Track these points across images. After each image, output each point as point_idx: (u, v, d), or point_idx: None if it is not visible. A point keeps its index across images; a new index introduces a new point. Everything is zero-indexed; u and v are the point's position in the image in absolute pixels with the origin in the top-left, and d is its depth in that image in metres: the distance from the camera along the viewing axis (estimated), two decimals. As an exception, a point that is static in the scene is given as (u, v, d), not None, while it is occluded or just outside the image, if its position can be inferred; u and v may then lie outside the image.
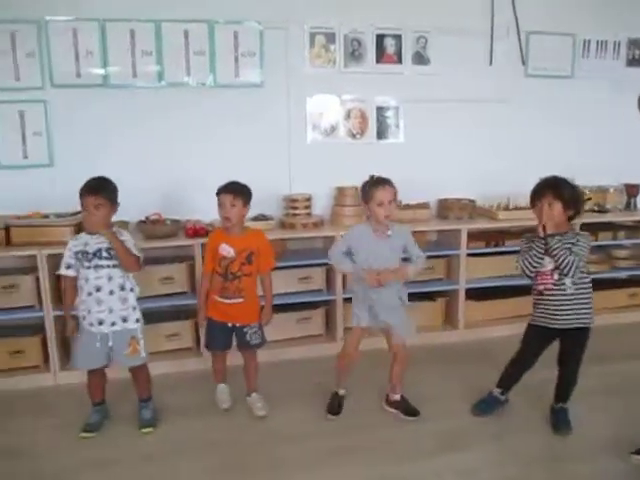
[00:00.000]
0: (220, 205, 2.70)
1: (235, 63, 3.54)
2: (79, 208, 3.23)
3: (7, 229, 3.10)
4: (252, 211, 3.41)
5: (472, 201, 3.82)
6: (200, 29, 3.46)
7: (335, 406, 2.83)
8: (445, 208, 3.82)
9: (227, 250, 2.72)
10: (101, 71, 3.39)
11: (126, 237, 2.59)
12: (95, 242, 2.53)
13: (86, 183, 2.54)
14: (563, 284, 2.53)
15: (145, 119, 3.47)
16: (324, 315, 3.62)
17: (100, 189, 2.51)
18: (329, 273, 3.56)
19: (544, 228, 2.49)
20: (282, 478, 2.34)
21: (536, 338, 2.68)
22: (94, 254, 2.52)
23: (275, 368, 3.26)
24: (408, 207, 3.68)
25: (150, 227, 3.30)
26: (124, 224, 3.19)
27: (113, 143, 3.43)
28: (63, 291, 2.65)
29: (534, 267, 2.56)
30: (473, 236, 3.71)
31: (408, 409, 2.80)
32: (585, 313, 2.55)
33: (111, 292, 2.54)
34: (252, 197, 2.76)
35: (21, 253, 3.11)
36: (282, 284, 3.43)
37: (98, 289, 2.52)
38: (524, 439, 2.59)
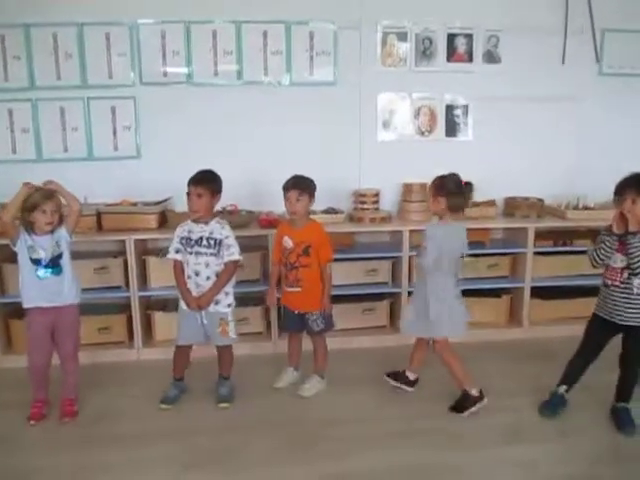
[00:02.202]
0: (287, 199, 2.85)
1: (310, 62, 3.69)
2: (164, 197, 3.53)
3: (99, 216, 3.37)
4: (322, 204, 3.61)
5: (540, 200, 3.81)
6: (277, 30, 3.63)
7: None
8: (512, 206, 3.83)
9: (287, 242, 2.89)
10: (185, 70, 3.61)
11: (228, 232, 2.79)
12: (198, 230, 2.75)
13: (194, 174, 2.76)
14: (630, 283, 2.54)
15: (224, 115, 3.66)
16: (388, 307, 3.71)
17: (203, 180, 2.73)
18: (395, 266, 3.65)
19: (619, 225, 2.50)
20: (343, 455, 2.46)
21: (598, 329, 2.71)
22: (196, 241, 2.74)
23: (341, 355, 3.37)
24: (475, 205, 3.72)
25: (226, 217, 3.47)
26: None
27: (194, 137, 3.65)
28: (174, 272, 2.84)
29: (602, 260, 2.60)
30: (540, 235, 3.71)
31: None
32: None
33: (208, 278, 2.75)
34: (316, 190, 2.89)
35: (111, 238, 3.39)
36: (349, 276, 3.57)
37: (197, 273, 2.74)
38: (588, 438, 2.60)
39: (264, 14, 3.58)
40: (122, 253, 3.36)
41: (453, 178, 2.75)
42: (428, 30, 3.75)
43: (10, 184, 2.69)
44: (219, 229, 2.79)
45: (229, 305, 2.84)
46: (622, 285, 2.56)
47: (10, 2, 3.43)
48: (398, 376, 3.03)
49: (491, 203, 3.82)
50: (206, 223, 2.78)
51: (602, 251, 2.58)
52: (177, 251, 2.81)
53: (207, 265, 2.75)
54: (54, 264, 2.64)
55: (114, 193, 3.52)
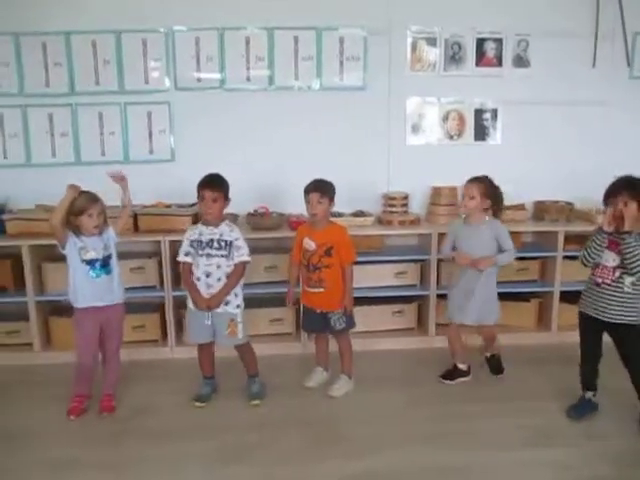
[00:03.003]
0: (308, 202, 2.91)
1: (340, 67, 3.74)
2: (197, 199, 3.60)
3: (135, 217, 3.46)
4: (352, 207, 3.66)
5: (570, 204, 3.81)
6: (308, 36, 3.69)
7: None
8: (541, 210, 3.83)
9: (309, 243, 2.94)
10: (218, 75, 3.70)
11: (237, 234, 2.83)
12: (208, 233, 2.80)
13: (204, 178, 2.81)
14: (622, 283, 2.60)
15: (256, 120, 3.74)
16: (417, 309, 3.74)
17: (217, 184, 2.79)
18: (423, 269, 3.68)
19: (611, 224, 2.55)
20: (370, 453, 2.50)
21: (588, 329, 2.77)
22: (207, 244, 2.79)
23: (369, 356, 3.42)
24: (504, 208, 3.72)
25: (257, 219, 3.57)
26: (234, 217, 3.48)
27: (227, 141, 3.73)
28: (182, 274, 2.92)
29: (592, 258, 2.67)
30: (570, 239, 3.69)
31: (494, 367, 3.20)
32: (633, 310, 2.59)
33: (219, 279, 2.79)
34: (336, 194, 2.94)
35: (147, 239, 3.49)
36: (378, 278, 3.62)
37: (208, 275, 2.79)
38: (616, 441, 2.60)
39: (295, 20, 3.65)
40: (157, 254, 3.46)
41: (491, 180, 3.01)
42: (457, 35, 3.78)
43: (50, 187, 2.80)
44: (228, 231, 2.83)
45: (238, 306, 2.88)
46: (613, 284, 2.62)
47: (52, 11, 3.56)
48: (452, 374, 3.13)
49: (520, 207, 3.83)
50: (216, 226, 2.82)
51: (592, 250, 2.65)
52: (187, 254, 2.84)
53: (218, 266, 2.79)
54: (105, 264, 2.74)
55: (149, 195, 3.61)
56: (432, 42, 3.77)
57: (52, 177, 3.50)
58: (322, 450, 2.53)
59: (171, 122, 3.73)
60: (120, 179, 2.82)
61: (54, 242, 2.78)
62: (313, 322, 3.06)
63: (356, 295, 3.09)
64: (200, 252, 2.80)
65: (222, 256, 2.79)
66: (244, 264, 2.84)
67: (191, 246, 2.82)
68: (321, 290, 2.95)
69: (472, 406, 2.88)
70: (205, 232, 2.82)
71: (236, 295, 2.87)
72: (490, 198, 2.97)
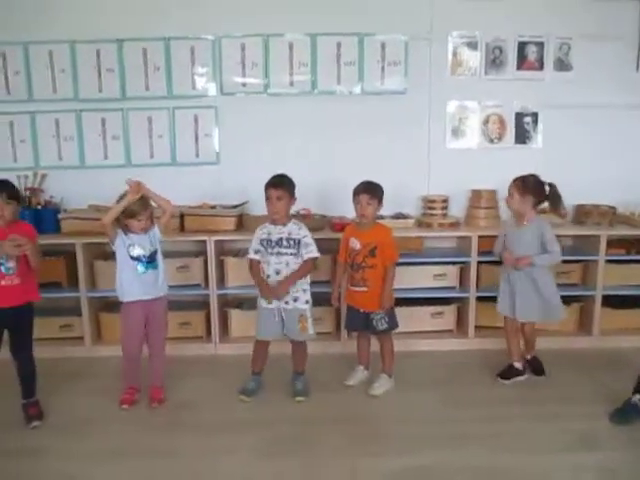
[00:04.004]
0: (357, 203, 2.97)
1: (381, 72, 3.81)
2: (241, 201, 3.71)
3: (182, 217, 3.59)
4: (392, 210, 3.71)
5: (612, 208, 3.77)
6: (351, 41, 3.77)
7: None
8: (583, 214, 3.81)
9: (354, 243, 3.01)
10: (262, 80, 3.80)
11: (305, 232, 2.94)
12: (277, 232, 2.91)
13: (270, 178, 2.92)
14: None
15: (299, 124, 3.84)
16: (456, 311, 3.76)
17: (281, 183, 2.89)
18: (463, 271, 3.70)
19: None
20: (410, 452, 2.53)
21: None
22: (276, 242, 2.89)
23: (409, 357, 3.45)
24: (544, 211, 3.71)
25: (300, 221, 3.63)
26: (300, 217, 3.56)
27: (270, 145, 3.83)
28: (251, 270, 3.00)
29: None
30: (612, 243, 3.66)
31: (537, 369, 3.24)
32: None
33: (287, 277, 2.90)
34: (384, 195, 3.00)
35: (193, 238, 3.60)
36: (418, 279, 3.65)
37: (277, 272, 2.90)
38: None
39: (338, 27, 3.73)
40: (202, 253, 3.57)
41: (536, 178, 3.05)
42: (498, 39, 3.81)
43: (102, 188, 2.93)
44: (297, 230, 2.94)
45: (307, 302, 2.98)
46: None
47: (103, 19, 3.71)
48: (508, 373, 3.17)
49: (561, 210, 3.81)
50: (284, 225, 2.93)
51: None
52: (256, 252, 2.96)
53: (287, 264, 2.90)
54: (152, 260, 2.85)
55: (195, 197, 3.74)
56: (473, 46, 3.81)
57: (104, 178, 3.66)
58: (362, 447, 2.58)
59: (217, 126, 3.86)
60: (135, 188, 2.78)
61: (105, 240, 2.93)
62: (355, 321, 3.12)
63: (395, 296, 3.12)
64: (270, 251, 2.91)
65: (291, 254, 2.90)
66: (313, 260, 2.94)
67: (261, 244, 2.93)
68: (364, 289, 3.00)
69: (513, 409, 2.89)
70: (274, 231, 2.92)
71: (304, 291, 2.97)
72: (533, 195, 3.01)
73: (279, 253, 2.90)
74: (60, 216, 3.61)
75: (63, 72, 3.77)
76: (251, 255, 2.99)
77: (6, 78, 3.78)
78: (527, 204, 3.02)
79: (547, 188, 3.06)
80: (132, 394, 2.95)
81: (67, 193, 3.81)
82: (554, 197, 3.06)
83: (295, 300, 2.94)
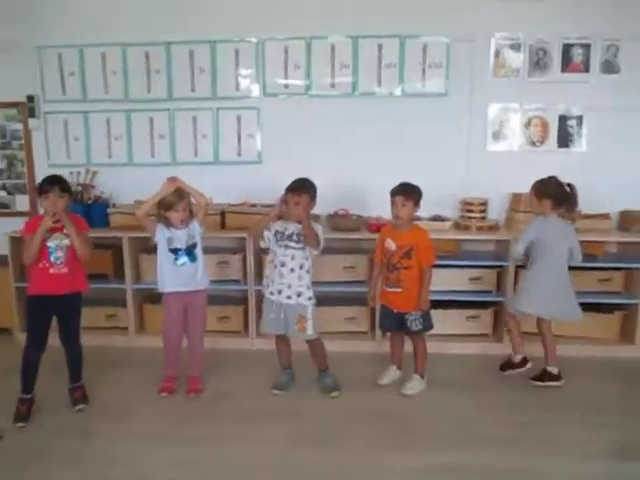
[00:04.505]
0: (393, 204, 2.99)
1: (422, 74, 3.82)
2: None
3: (223, 215, 3.70)
4: (429, 212, 3.70)
5: (659, 214, 3.67)
6: (392, 44, 3.80)
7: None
8: (627, 220, 3.72)
9: (390, 244, 3.03)
10: (304, 82, 3.88)
11: (317, 227, 2.98)
12: (292, 228, 2.95)
13: (291, 183, 2.94)
14: None
15: (339, 125, 3.89)
16: (492, 316, 3.73)
17: (301, 188, 2.91)
18: (500, 275, 3.67)
19: None
20: (440, 451, 2.55)
21: None
22: (288, 236, 2.94)
23: (443, 359, 3.47)
24: (587, 217, 3.65)
25: (338, 220, 3.70)
26: (315, 217, 3.62)
27: (311, 145, 3.90)
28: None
29: None
30: (657, 250, 3.57)
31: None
32: None
33: (292, 270, 2.94)
34: (422, 198, 3.01)
35: (233, 235, 3.71)
36: (454, 282, 3.64)
37: (282, 264, 2.95)
38: None
39: (380, 29, 3.77)
40: (242, 250, 3.67)
41: (554, 180, 3.05)
42: (543, 41, 3.76)
43: (148, 184, 3.04)
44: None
45: (309, 298, 2.99)
46: None
47: (154, 22, 3.87)
48: (543, 376, 3.15)
49: (605, 216, 3.72)
50: (299, 222, 2.94)
51: None
52: (268, 239, 2.99)
53: (293, 258, 2.94)
54: (190, 253, 2.96)
55: (236, 195, 3.86)
56: (516, 48, 3.77)
57: (150, 176, 3.74)
58: (391, 444, 2.61)
59: (259, 126, 3.96)
60: (170, 182, 2.92)
61: (150, 235, 3.05)
62: (390, 321, 3.15)
63: (430, 298, 3.13)
64: (280, 243, 2.96)
65: (299, 249, 2.95)
66: (317, 236, 2.94)
67: (274, 235, 2.99)
68: (399, 290, 3.03)
69: (546, 415, 2.86)
70: (290, 227, 2.97)
71: (308, 287, 2.99)
72: (552, 198, 3.02)
73: (287, 246, 2.95)
74: (109, 211, 3.80)
75: (114, 74, 3.95)
76: (263, 244, 3.04)
77: (62, 79, 4.00)
78: (546, 207, 3.03)
79: (567, 189, 3.05)
80: (171, 383, 3.07)
81: (116, 189, 4.00)
82: (572, 198, 3.06)
83: (299, 295, 2.97)
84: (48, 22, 3.94)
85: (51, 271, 2.78)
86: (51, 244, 2.77)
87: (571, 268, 3.14)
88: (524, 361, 3.26)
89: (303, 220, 2.88)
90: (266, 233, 3.00)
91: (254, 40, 3.86)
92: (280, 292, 2.97)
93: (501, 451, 2.55)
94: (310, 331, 3.01)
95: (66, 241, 2.78)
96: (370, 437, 2.66)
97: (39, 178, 4.09)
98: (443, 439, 2.64)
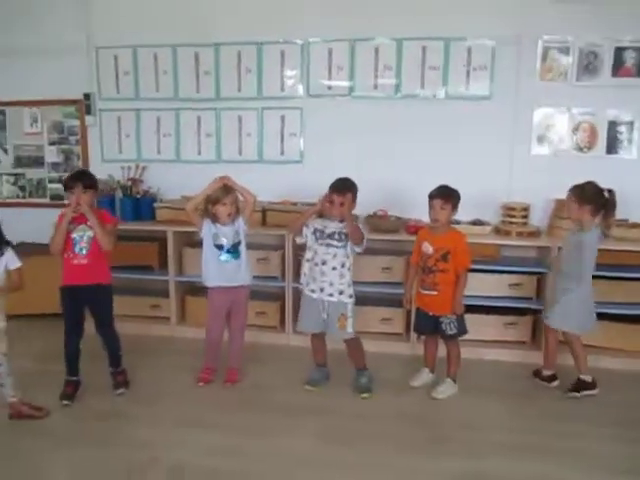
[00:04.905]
0: (431, 207, 3.00)
1: (466, 77, 3.80)
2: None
3: (264, 212, 3.79)
4: (470, 216, 3.68)
5: None
6: (436, 46, 3.79)
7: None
8: (678, 230, 3.59)
9: (427, 247, 3.04)
10: (348, 83, 3.93)
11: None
12: (332, 226, 3.00)
13: (334, 182, 2.99)
14: None
15: (381, 126, 3.91)
16: (531, 323, 3.66)
17: (344, 188, 2.96)
18: (540, 282, 3.60)
19: None
20: (469, 456, 2.54)
21: None
22: (329, 235, 2.99)
23: (478, 365, 3.45)
24: (636, 226, 3.54)
25: (376, 221, 3.73)
26: (355, 217, 3.65)
27: (352, 146, 3.94)
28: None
29: None
30: None
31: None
32: None
33: (333, 268, 2.99)
34: (460, 202, 3.00)
35: (273, 232, 3.79)
36: (492, 287, 3.61)
37: (323, 262, 2.99)
38: None
39: (424, 31, 3.76)
40: (281, 247, 3.75)
41: (593, 185, 2.98)
42: (593, 44, 3.66)
43: (194, 181, 3.17)
44: None
45: (350, 296, 3.03)
46: None
47: (204, 23, 4.00)
48: (578, 387, 3.10)
49: (654, 225, 3.61)
50: (341, 221, 3.00)
51: None
52: (305, 236, 3.05)
53: (334, 256, 2.98)
54: (234, 250, 3.05)
55: (279, 193, 3.94)
56: (565, 51, 3.69)
57: (196, 172, 3.93)
58: (420, 446, 2.62)
59: (302, 126, 4.03)
60: (219, 180, 3.03)
61: (194, 230, 3.18)
62: (424, 324, 3.15)
63: (468, 303, 3.14)
64: (320, 241, 3.01)
65: (341, 247, 2.99)
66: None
67: (313, 233, 3.04)
68: (434, 293, 3.03)
69: (581, 426, 2.80)
70: (330, 225, 3.02)
71: (349, 285, 3.03)
72: (592, 204, 2.95)
73: (329, 244, 2.99)
74: (155, 205, 3.95)
75: (165, 73, 4.11)
76: (298, 239, 3.09)
77: (117, 78, 4.19)
78: (585, 213, 2.96)
79: (606, 194, 2.97)
80: (209, 374, 3.18)
81: (163, 184, 4.15)
82: (611, 204, 2.97)
83: (340, 293, 3.01)
84: (105, 24, 4.14)
85: (74, 262, 2.92)
86: (75, 236, 2.90)
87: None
88: (552, 377, 3.22)
89: (347, 219, 2.93)
90: (304, 230, 3.06)
91: (299, 42, 3.93)
92: (322, 290, 3.02)
93: (529, 460, 2.52)
94: (350, 329, 3.05)
95: (89, 233, 2.90)
96: (398, 438, 2.68)
97: (94, 172, 4.33)
98: (471, 444, 2.64)
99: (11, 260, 2.61)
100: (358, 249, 3.01)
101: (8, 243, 2.63)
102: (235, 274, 3.07)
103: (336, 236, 2.99)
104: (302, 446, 2.60)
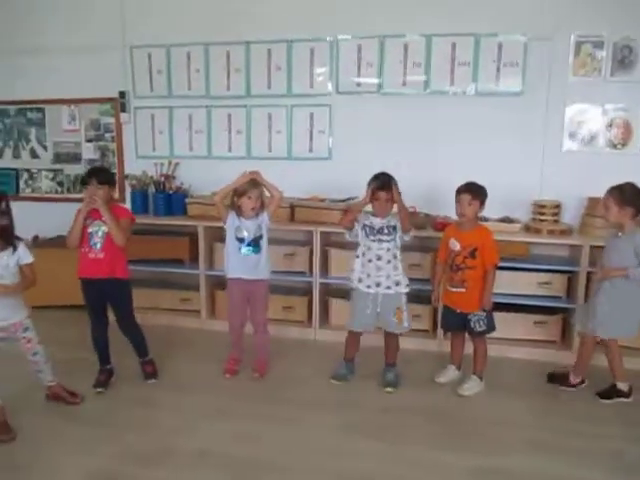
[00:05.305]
0: (458, 202, 2.99)
1: (497, 73, 3.76)
2: (349, 196, 3.86)
3: (292, 208, 3.84)
4: (499, 213, 3.65)
5: None
6: (466, 42, 3.76)
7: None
8: None
9: (454, 244, 3.03)
10: (376, 80, 3.93)
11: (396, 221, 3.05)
12: (379, 222, 3.04)
13: (379, 179, 3.00)
14: None
15: (409, 123, 3.91)
16: (561, 322, 3.61)
17: (390, 184, 2.98)
18: (571, 281, 3.55)
19: None
20: (493, 453, 2.52)
21: None
22: (378, 230, 3.03)
23: (505, 363, 3.43)
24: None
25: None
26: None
27: (381, 143, 3.95)
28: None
29: None
30: None
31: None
32: None
33: (388, 261, 3.03)
34: (487, 198, 2.98)
35: (301, 228, 3.84)
36: (522, 285, 3.57)
37: (379, 258, 3.03)
38: None
39: (454, 27, 3.74)
40: (309, 243, 3.79)
41: (632, 186, 2.87)
42: (629, 38, 3.58)
43: (225, 177, 3.22)
44: (394, 220, 3.04)
45: (407, 285, 3.07)
46: None
47: (234, 22, 4.06)
48: (611, 393, 3.03)
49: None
50: (383, 217, 3.04)
51: None
52: (356, 235, 3.08)
53: (388, 250, 3.02)
54: (255, 244, 3.10)
55: (307, 189, 3.99)
56: (599, 46, 3.61)
57: (227, 169, 3.92)
58: (443, 441, 2.63)
59: (331, 123, 4.06)
60: (248, 174, 3.08)
61: (222, 221, 3.21)
62: (452, 321, 3.15)
63: (496, 300, 3.12)
64: (372, 238, 3.05)
65: (390, 240, 3.03)
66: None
67: (362, 229, 3.07)
68: (462, 290, 3.03)
69: (608, 428, 2.75)
70: (375, 221, 3.05)
71: (403, 275, 3.07)
72: (631, 206, 2.84)
73: (380, 240, 3.03)
74: (187, 201, 4.04)
75: (197, 72, 4.19)
76: (348, 236, 3.12)
77: (150, 76, 4.30)
78: (626, 215, 2.85)
79: None
80: (233, 364, 3.26)
81: (195, 180, 4.23)
82: None
83: (397, 284, 3.04)
84: (139, 24, 4.24)
85: (90, 255, 2.99)
86: (91, 230, 2.98)
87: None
88: (581, 382, 3.14)
89: (400, 207, 2.98)
90: (355, 226, 3.10)
91: (329, 39, 3.96)
92: (379, 284, 3.05)
93: (554, 459, 2.49)
94: (406, 323, 3.09)
95: (104, 228, 2.96)
96: (421, 433, 2.69)
97: (128, 168, 4.45)
98: (495, 441, 2.63)
99: (24, 255, 2.67)
100: (407, 237, 3.05)
101: (20, 239, 2.69)
102: (254, 267, 3.13)
103: (385, 230, 3.04)
104: (326, 438, 2.64)
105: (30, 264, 2.68)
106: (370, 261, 3.05)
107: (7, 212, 2.59)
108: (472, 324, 3.03)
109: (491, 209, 3.46)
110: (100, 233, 2.96)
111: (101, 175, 3.03)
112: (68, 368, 3.10)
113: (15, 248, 2.63)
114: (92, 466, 2.41)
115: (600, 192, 3.52)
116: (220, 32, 4.09)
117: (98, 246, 2.97)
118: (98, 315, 3.07)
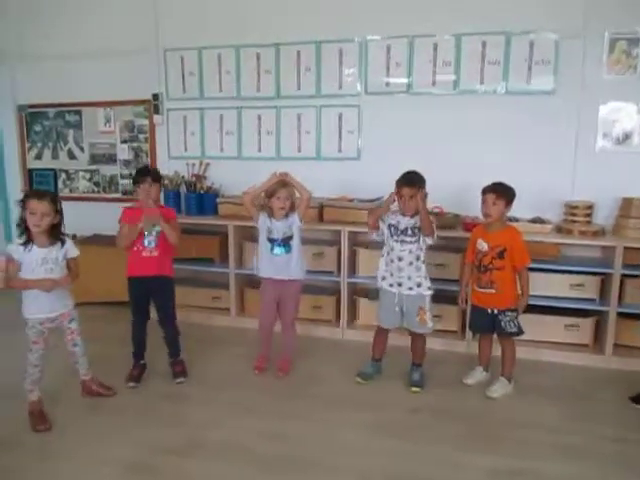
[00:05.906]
0: (484, 202, 2.98)
1: (528, 72, 3.71)
2: (377, 196, 3.87)
3: (321, 208, 3.87)
4: (530, 213, 3.61)
5: None
6: (497, 40, 3.72)
7: None
8: None
9: (482, 245, 3.01)
10: (405, 80, 3.93)
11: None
12: (405, 221, 3.04)
13: (403, 176, 3.01)
14: None
15: (439, 123, 3.89)
16: (594, 325, 3.54)
17: (413, 182, 2.99)
18: (604, 284, 3.48)
19: None
20: (519, 456, 2.50)
21: None
22: (402, 231, 3.03)
23: (535, 366, 3.39)
24: None
25: (432, 218, 3.70)
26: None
27: (410, 143, 3.94)
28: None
29: None
30: None
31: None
32: None
33: (410, 263, 3.03)
34: (515, 198, 2.95)
35: (329, 228, 3.87)
36: (553, 287, 3.52)
37: (400, 259, 3.04)
38: None
39: (484, 26, 3.71)
40: (337, 242, 3.81)
41: None
42: (666, 35, 3.50)
43: (255, 177, 3.26)
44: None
45: (429, 288, 3.06)
46: None
47: (264, 24, 4.12)
48: None
49: None
50: (411, 217, 3.04)
51: None
52: (381, 233, 3.10)
53: (410, 252, 3.02)
54: (285, 244, 3.14)
55: (336, 189, 4.02)
56: (634, 43, 3.53)
57: (257, 169, 3.99)
58: (469, 443, 2.62)
59: (359, 124, 4.07)
60: (284, 175, 3.11)
61: (254, 224, 3.26)
62: (481, 322, 3.12)
63: (528, 302, 3.07)
64: (395, 238, 3.05)
65: (413, 242, 3.02)
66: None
67: (388, 228, 3.08)
68: (491, 291, 3.01)
69: (637, 434, 2.70)
70: (402, 221, 3.05)
71: (426, 277, 3.07)
72: None
73: (403, 241, 3.03)
74: (218, 200, 4.11)
75: (228, 73, 4.27)
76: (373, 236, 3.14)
77: (183, 78, 4.39)
78: None
79: None
80: (262, 362, 3.30)
81: (225, 181, 4.30)
82: None
83: (419, 286, 3.04)
84: (172, 27, 4.34)
85: (144, 254, 3.07)
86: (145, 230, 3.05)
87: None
88: None
89: (421, 210, 2.97)
90: (381, 226, 3.11)
91: (357, 39, 3.97)
92: (400, 285, 3.06)
93: (582, 465, 2.45)
94: (430, 324, 3.09)
95: (158, 227, 3.04)
96: (447, 434, 2.69)
97: (161, 169, 4.55)
98: (522, 444, 2.61)
99: (71, 249, 2.78)
100: (430, 241, 3.03)
101: (66, 234, 2.80)
102: (285, 267, 3.16)
103: (409, 232, 3.04)
104: (351, 435, 2.66)
105: (75, 258, 2.79)
106: (392, 261, 3.06)
107: (60, 211, 2.72)
108: (503, 324, 3.00)
109: (522, 210, 3.44)
110: (154, 233, 3.06)
111: (154, 173, 3.13)
112: (100, 363, 3.17)
113: (63, 243, 2.73)
114: (125, 456, 2.49)
115: (634, 192, 3.51)
116: (250, 34, 4.15)
117: (152, 244, 3.07)
118: (143, 310, 3.16)
